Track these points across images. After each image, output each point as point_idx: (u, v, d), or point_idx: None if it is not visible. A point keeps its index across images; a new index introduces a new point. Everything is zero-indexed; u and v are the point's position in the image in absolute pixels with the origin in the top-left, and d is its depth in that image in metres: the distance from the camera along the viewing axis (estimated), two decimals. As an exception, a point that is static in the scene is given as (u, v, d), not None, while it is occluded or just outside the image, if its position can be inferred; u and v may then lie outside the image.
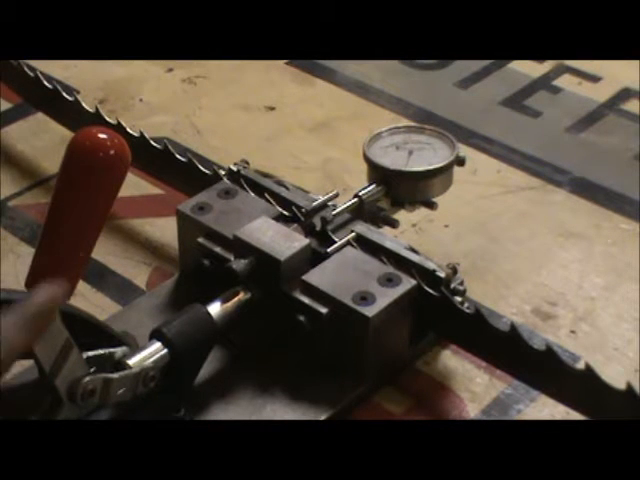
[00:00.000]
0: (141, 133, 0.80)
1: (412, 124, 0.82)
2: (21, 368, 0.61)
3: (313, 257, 0.69)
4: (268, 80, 1.01)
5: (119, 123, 0.80)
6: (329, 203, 0.73)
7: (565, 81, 1.01)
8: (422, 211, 0.76)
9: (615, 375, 0.61)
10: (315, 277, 0.67)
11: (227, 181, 0.75)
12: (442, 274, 0.68)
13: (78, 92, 0.95)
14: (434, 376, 0.70)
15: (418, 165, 0.74)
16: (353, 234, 0.71)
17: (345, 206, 0.73)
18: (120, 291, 0.76)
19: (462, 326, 0.66)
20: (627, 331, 0.73)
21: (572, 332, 0.73)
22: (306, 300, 0.66)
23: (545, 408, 0.67)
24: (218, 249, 0.70)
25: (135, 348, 0.62)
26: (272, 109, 0.97)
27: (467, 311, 0.66)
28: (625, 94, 0.98)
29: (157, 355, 0.61)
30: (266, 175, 0.78)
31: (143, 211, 0.84)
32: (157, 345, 0.62)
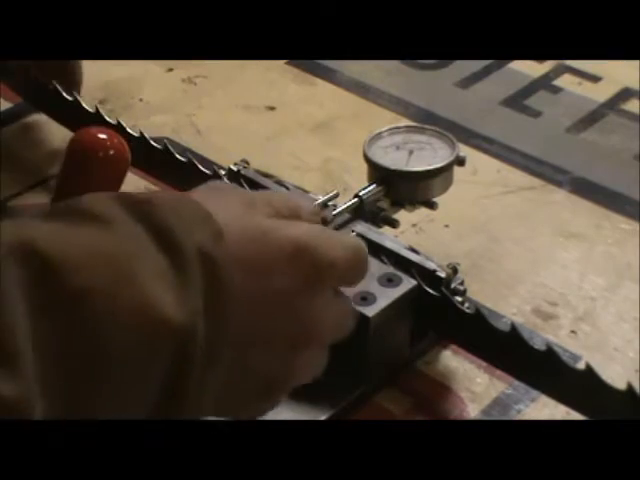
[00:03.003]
0: (141, 133, 0.80)
1: (412, 124, 0.82)
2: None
3: (313, 257, 0.68)
4: (268, 80, 1.01)
5: (119, 123, 0.80)
6: (329, 203, 0.73)
7: (565, 81, 1.01)
8: (422, 211, 0.76)
9: (615, 375, 0.61)
10: (315, 277, 0.67)
11: (227, 181, 0.75)
12: (442, 274, 0.68)
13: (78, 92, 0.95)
14: (434, 376, 0.70)
15: (418, 165, 0.74)
16: (353, 234, 0.71)
17: (345, 206, 0.72)
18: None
19: (462, 326, 0.66)
20: (627, 331, 0.73)
21: (572, 332, 0.73)
22: (306, 300, 0.66)
23: (545, 408, 0.67)
24: (218, 249, 0.70)
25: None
26: (272, 109, 0.97)
27: (467, 311, 0.66)
28: (625, 94, 0.98)
29: (157, 355, 0.61)
30: (266, 175, 0.78)
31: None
32: (157, 345, 0.62)
